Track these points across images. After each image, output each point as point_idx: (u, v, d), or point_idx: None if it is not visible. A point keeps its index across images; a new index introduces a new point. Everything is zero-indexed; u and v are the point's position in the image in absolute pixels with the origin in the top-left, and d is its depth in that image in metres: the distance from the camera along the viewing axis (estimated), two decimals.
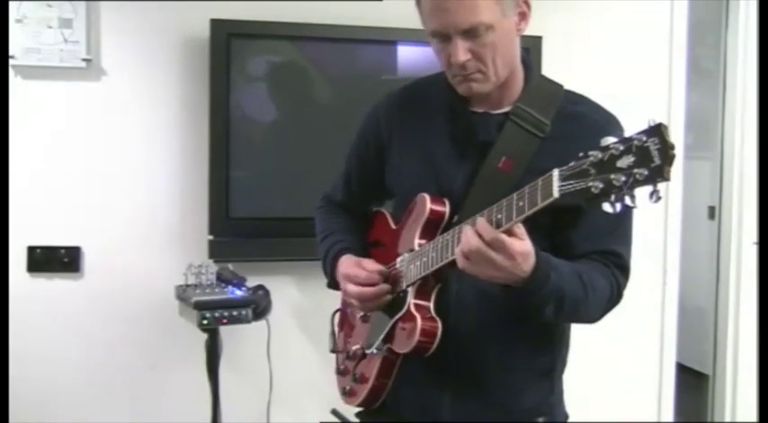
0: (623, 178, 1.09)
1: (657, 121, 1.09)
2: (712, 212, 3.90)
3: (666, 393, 3.33)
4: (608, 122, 1.52)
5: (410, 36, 2.72)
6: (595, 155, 1.13)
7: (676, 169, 3.35)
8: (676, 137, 3.23)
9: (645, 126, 1.10)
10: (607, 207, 1.12)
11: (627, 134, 1.13)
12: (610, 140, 1.12)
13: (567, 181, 1.16)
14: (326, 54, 2.88)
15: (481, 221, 1.29)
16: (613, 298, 1.50)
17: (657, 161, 1.07)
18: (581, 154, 1.15)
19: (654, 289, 3.28)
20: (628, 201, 1.10)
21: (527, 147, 1.47)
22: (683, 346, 3.42)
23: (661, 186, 1.03)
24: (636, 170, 1.08)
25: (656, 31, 3.23)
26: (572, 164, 1.16)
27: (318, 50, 2.87)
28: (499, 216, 1.28)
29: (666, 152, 1.07)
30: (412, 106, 1.64)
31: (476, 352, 1.53)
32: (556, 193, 1.17)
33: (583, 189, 1.13)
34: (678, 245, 3.31)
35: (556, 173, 1.18)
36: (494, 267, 1.29)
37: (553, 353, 1.60)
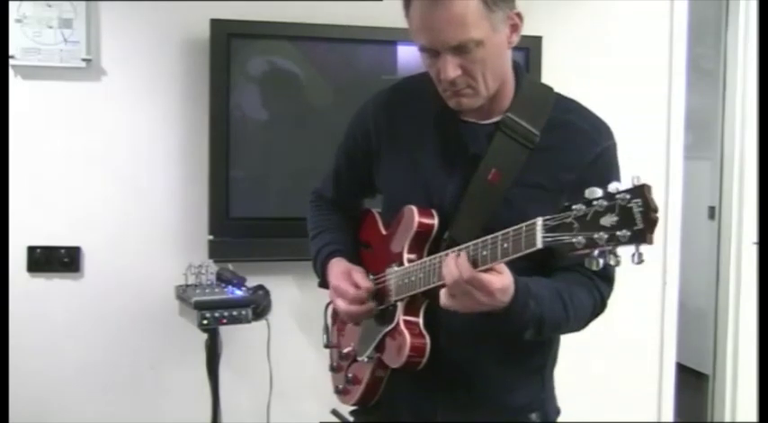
0: (606, 237, 1.10)
1: (642, 181, 1.09)
2: (712, 212, 3.90)
3: (666, 393, 3.33)
4: (597, 132, 1.52)
5: (410, 36, 2.72)
6: (579, 208, 1.13)
7: (676, 169, 3.37)
8: (676, 137, 3.25)
9: (630, 184, 1.10)
10: (592, 264, 1.13)
11: (624, 184, 1.11)
12: (596, 193, 1.12)
13: (550, 232, 1.16)
14: (326, 54, 2.88)
15: (462, 260, 1.30)
16: (597, 309, 1.52)
17: (640, 225, 1.07)
18: (566, 204, 1.15)
19: (654, 289, 3.28)
20: (610, 260, 1.11)
21: (516, 158, 1.47)
22: (682, 346, 3.42)
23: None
24: (618, 232, 1.09)
25: (656, 32, 3.23)
26: (556, 215, 1.16)
27: (318, 50, 2.87)
28: (484, 253, 1.29)
29: (649, 216, 1.07)
30: (401, 107, 1.62)
31: (466, 353, 1.53)
32: (539, 244, 1.18)
33: (566, 243, 1.14)
34: (678, 245, 3.31)
35: (539, 223, 1.18)
36: (474, 302, 1.32)
37: (544, 350, 1.60)
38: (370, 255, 1.67)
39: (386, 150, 1.63)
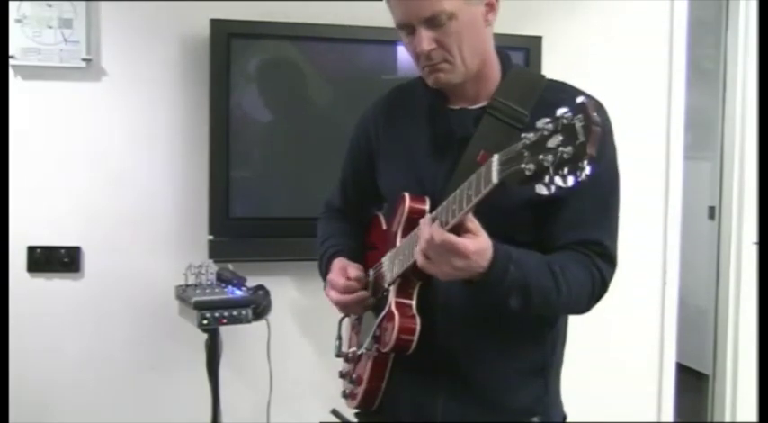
0: (551, 158, 1.08)
1: (582, 100, 1.08)
2: (712, 212, 3.91)
3: (666, 393, 3.33)
4: None
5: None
6: (529, 137, 1.12)
7: (676, 169, 3.38)
8: (676, 137, 3.25)
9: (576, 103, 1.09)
10: (542, 189, 1.10)
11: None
12: (543, 121, 1.11)
13: (504, 165, 1.15)
14: (326, 54, 2.88)
15: (434, 226, 1.30)
16: (596, 287, 1.48)
17: (581, 138, 1.06)
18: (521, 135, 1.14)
19: (654, 289, 3.28)
20: (559, 181, 1.08)
21: (505, 139, 1.43)
22: (682, 346, 3.42)
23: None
24: (562, 149, 1.07)
25: (656, 32, 3.23)
26: (509, 148, 1.15)
27: (318, 50, 2.87)
28: (453, 207, 1.28)
29: (590, 128, 1.05)
30: (397, 110, 1.65)
31: (466, 351, 1.53)
32: (495, 179, 1.16)
33: (517, 171, 1.12)
34: (678, 245, 3.31)
35: (495, 158, 1.17)
36: (450, 266, 1.30)
37: (545, 351, 1.58)
38: (374, 254, 1.68)
39: (384, 151, 1.65)
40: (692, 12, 3.30)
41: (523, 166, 1.11)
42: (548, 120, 1.10)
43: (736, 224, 3.59)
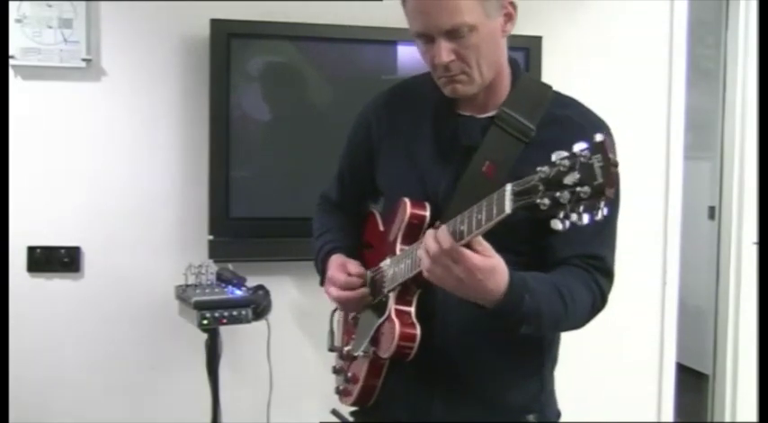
0: (568, 196, 1.08)
1: (601, 138, 1.08)
2: (712, 212, 3.91)
3: (666, 393, 3.33)
4: (594, 128, 1.51)
5: (410, 36, 2.72)
6: (544, 171, 1.12)
7: (676, 169, 3.38)
8: (676, 137, 3.25)
9: (594, 140, 1.09)
10: (557, 224, 1.11)
11: (576, 148, 1.11)
12: (560, 155, 1.11)
13: (518, 196, 1.15)
14: (326, 54, 2.88)
15: (442, 230, 1.30)
16: (596, 305, 1.49)
17: (600, 179, 1.06)
18: (538, 168, 1.14)
19: (654, 289, 3.28)
20: (575, 218, 1.09)
21: (511, 151, 1.46)
22: (682, 346, 3.42)
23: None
24: (579, 188, 1.08)
25: (656, 32, 3.24)
26: (524, 179, 1.15)
27: (318, 50, 2.87)
28: (462, 227, 1.28)
29: (609, 170, 1.06)
30: (400, 107, 1.64)
31: (463, 352, 1.53)
32: (508, 209, 1.16)
33: (532, 205, 1.12)
34: (678, 245, 3.31)
35: (509, 188, 1.17)
36: (453, 278, 1.29)
37: (542, 350, 1.59)
38: (370, 253, 1.68)
39: (385, 146, 1.64)
40: (692, 12, 3.30)
41: (538, 200, 1.11)
42: (565, 154, 1.11)
43: (736, 224, 3.59)
